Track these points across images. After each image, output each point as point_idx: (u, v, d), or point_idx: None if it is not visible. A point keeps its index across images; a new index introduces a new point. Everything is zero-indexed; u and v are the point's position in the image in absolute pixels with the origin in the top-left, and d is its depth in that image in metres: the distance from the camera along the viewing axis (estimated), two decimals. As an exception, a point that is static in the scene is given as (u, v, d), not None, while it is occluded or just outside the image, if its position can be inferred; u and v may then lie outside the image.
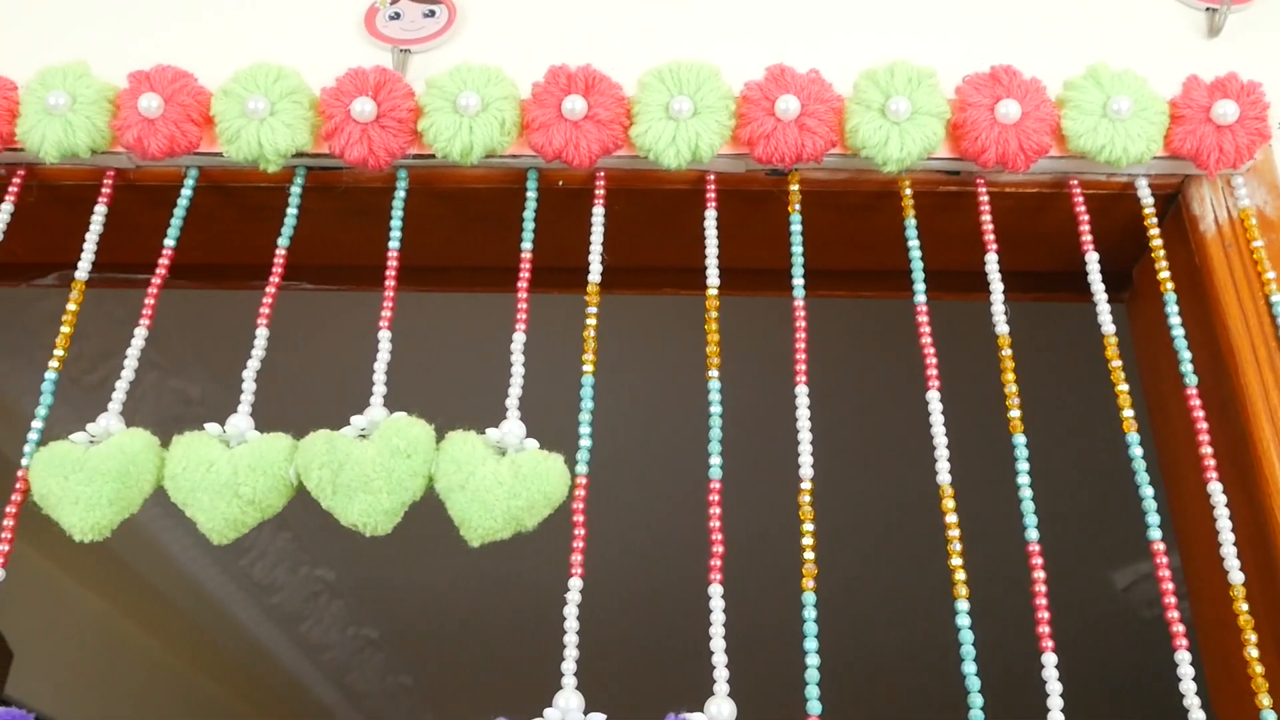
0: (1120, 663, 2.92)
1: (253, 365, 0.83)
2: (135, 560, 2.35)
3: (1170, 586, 0.73)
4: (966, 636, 0.72)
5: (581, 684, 0.73)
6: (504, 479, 0.75)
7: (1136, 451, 0.78)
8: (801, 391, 0.80)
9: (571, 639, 0.72)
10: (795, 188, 0.88)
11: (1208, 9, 0.97)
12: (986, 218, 0.87)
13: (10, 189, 0.91)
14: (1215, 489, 0.77)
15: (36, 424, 0.81)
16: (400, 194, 0.89)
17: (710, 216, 0.87)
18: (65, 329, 0.85)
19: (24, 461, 0.80)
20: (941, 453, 0.78)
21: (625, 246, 0.91)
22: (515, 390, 0.80)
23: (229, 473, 0.76)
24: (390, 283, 0.85)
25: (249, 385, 0.82)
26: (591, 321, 0.83)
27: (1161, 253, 0.86)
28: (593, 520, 0.78)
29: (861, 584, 2.58)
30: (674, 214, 0.93)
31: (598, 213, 0.87)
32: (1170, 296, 0.84)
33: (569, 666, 0.71)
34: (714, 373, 0.81)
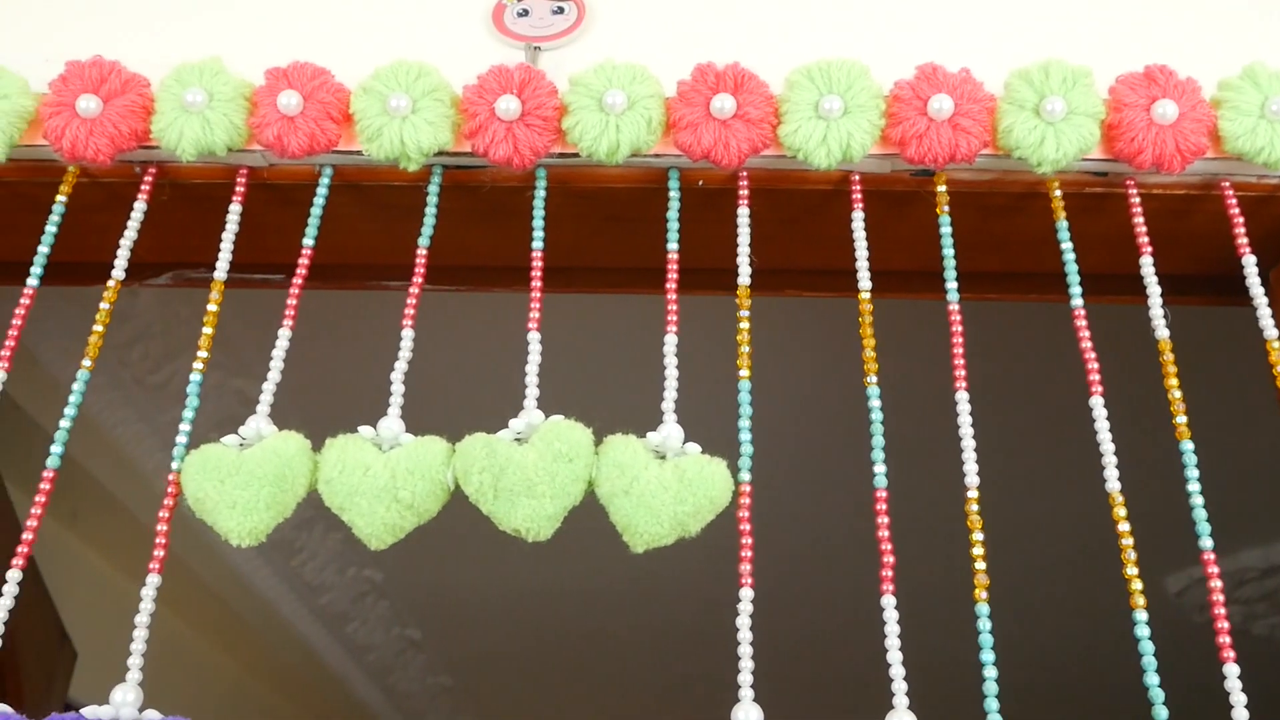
0: (1170, 668, 2.89)
1: (400, 367, 0.81)
2: (191, 560, 2.34)
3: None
4: (1147, 647, 0.71)
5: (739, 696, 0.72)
6: (669, 484, 0.74)
7: (1309, 459, 0.76)
8: (962, 397, 0.79)
9: (746, 650, 0.71)
10: (942, 189, 0.87)
11: (1349, 8, 0.95)
12: (1139, 220, 0.86)
13: (142, 188, 0.90)
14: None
15: (184, 426, 0.80)
16: (540, 194, 0.87)
17: (857, 217, 0.86)
18: (207, 330, 0.84)
19: (174, 465, 0.78)
20: (1109, 460, 0.76)
21: (761, 248, 0.90)
22: (670, 394, 0.79)
23: (387, 476, 0.75)
24: (536, 283, 0.84)
25: (398, 388, 0.81)
26: (745, 325, 0.81)
27: (1320, 255, 0.84)
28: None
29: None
30: (813, 215, 0.92)
31: (743, 213, 0.86)
32: (1331, 300, 0.83)
33: (745, 679, 0.70)
34: (873, 378, 0.80)
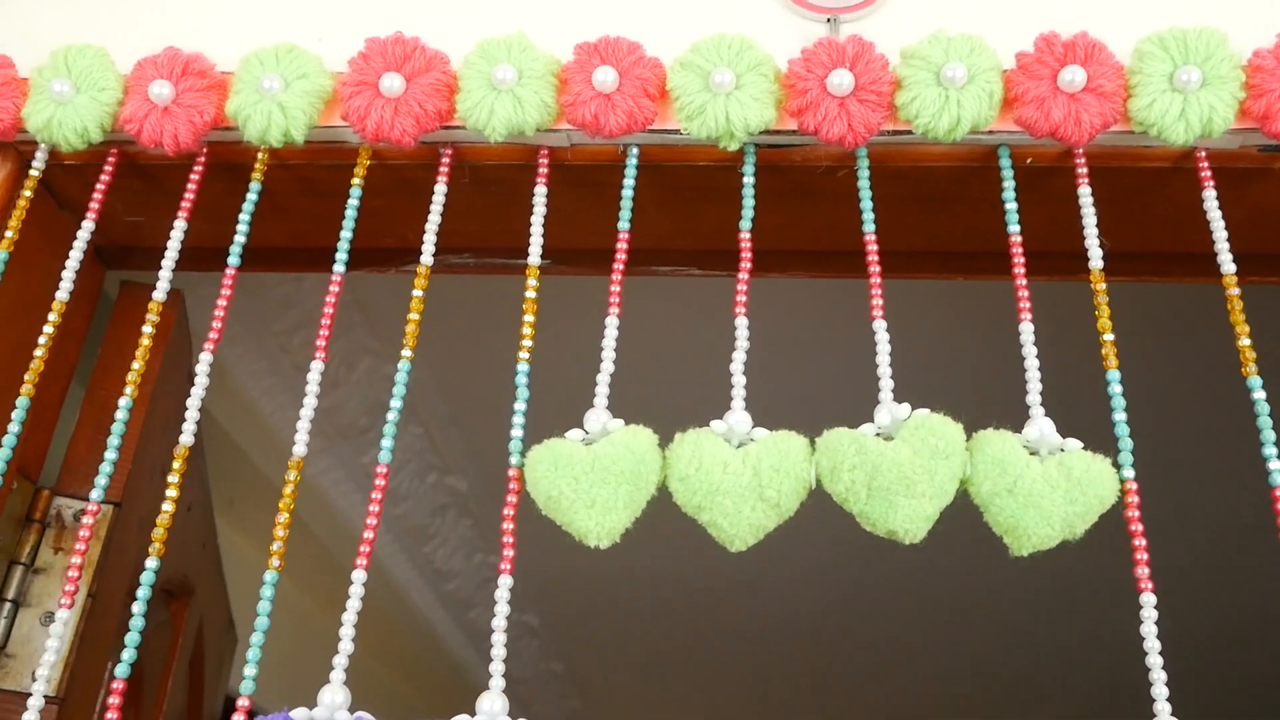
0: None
1: (739, 357, 0.77)
2: (332, 544, 2.33)
3: None
4: None
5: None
6: (1057, 483, 0.69)
7: None
8: (1353, 387, 0.73)
9: (1156, 660, 0.66)
10: (1299, 165, 0.81)
11: None
12: None
13: (441, 170, 0.86)
14: None
15: (518, 419, 0.76)
16: (864, 174, 0.83)
17: (1209, 196, 0.80)
18: (529, 317, 0.80)
19: (513, 460, 0.75)
20: None
21: (1077, 228, 0.85)
22: (1034, 384, 0.74)
23: (749, 474, 0.71)
24: (875, 269, 0.79)
25: (739, 379, 0.76)
26: (1105, 311, 0.76)
27: None
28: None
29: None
30: (1143, 195, 0.87)
31: (1085, 193, 0.81)
32: None
33: (1160, 691, 0.65)
34: (1252, 368, 0.74)
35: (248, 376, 1.91)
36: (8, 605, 0.94)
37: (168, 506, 0.77)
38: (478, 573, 2.78)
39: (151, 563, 0.75)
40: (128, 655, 0.72)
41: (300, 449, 0.79)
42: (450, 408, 2.17)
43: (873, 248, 0.80)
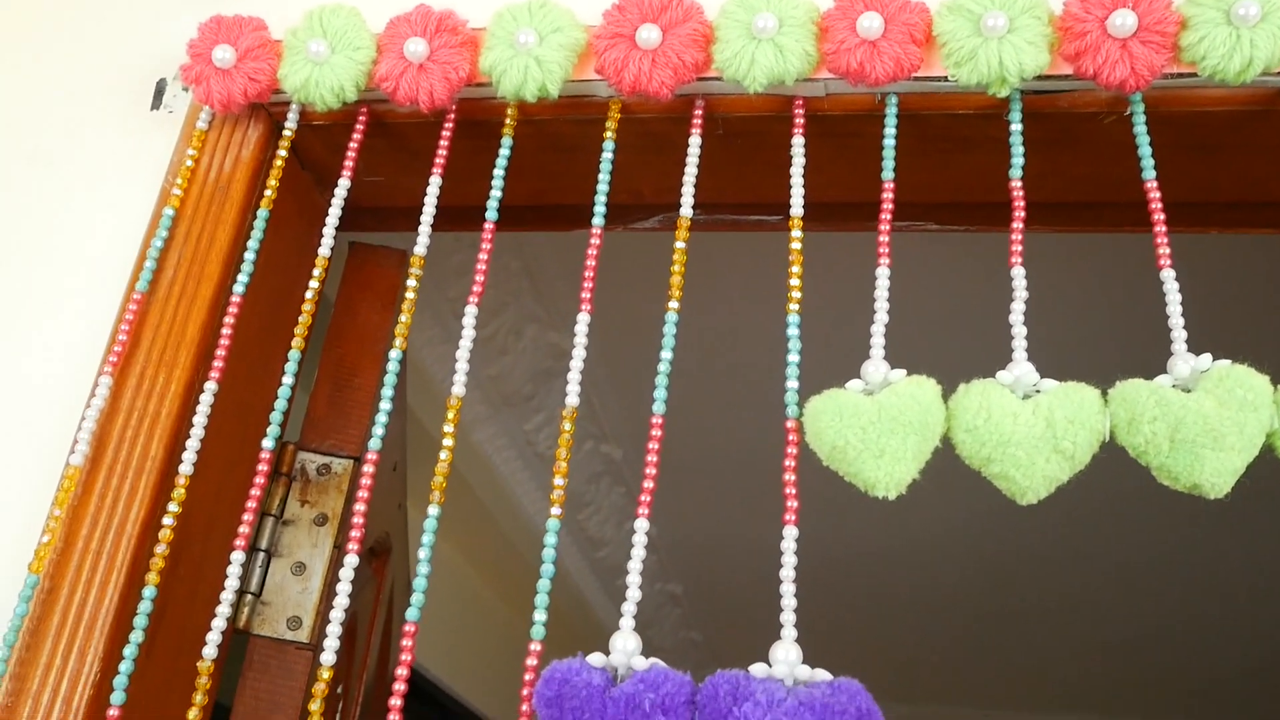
0: None
1: (1018, 309, 0.75)
2: (496, 511, 2.36)
3: None
4: None
5: None
6: (1378, 438, 0.66)
7: None
8: None
9: None
10: None
11: None
12: None
13: (694, 123, 0.85)
14: None
15: (792, 369, 0.75)
16: (1140, 120, 0.79)
17: None
18: (795, 269, 0.79)
19: (791, 411, 0.74)
20: None
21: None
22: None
23: (1042, 425, 0.69)
24: (1159, 217, 0.76)
25: (1019, 330, 0.74)
26: None
27: None
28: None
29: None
30: None
31: (1383, 135, 0.76)
32: None
33: None
34: None
35: (421, 343, 1.94)
36: (261, 555, 0.97)
37: (444, 455, 0.78)
38: (628, 540, 2.80)
39: (434, 510, 0.76)
40: (416, 599, 0.74)
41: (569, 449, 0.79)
42: (611, 375, 2.18)
43: (1155, 195, 0.77)
